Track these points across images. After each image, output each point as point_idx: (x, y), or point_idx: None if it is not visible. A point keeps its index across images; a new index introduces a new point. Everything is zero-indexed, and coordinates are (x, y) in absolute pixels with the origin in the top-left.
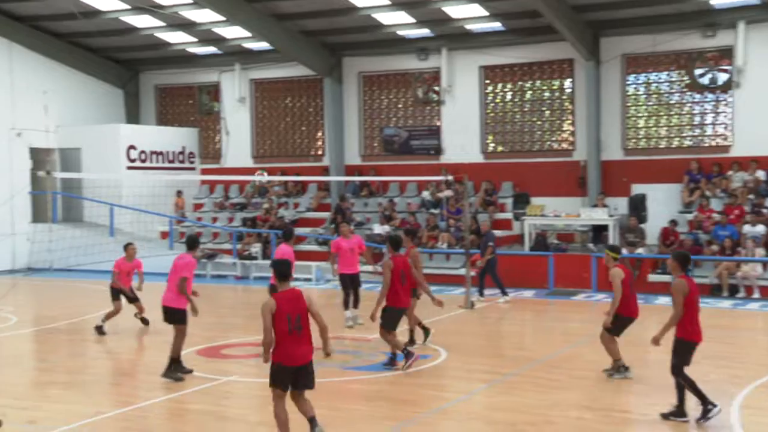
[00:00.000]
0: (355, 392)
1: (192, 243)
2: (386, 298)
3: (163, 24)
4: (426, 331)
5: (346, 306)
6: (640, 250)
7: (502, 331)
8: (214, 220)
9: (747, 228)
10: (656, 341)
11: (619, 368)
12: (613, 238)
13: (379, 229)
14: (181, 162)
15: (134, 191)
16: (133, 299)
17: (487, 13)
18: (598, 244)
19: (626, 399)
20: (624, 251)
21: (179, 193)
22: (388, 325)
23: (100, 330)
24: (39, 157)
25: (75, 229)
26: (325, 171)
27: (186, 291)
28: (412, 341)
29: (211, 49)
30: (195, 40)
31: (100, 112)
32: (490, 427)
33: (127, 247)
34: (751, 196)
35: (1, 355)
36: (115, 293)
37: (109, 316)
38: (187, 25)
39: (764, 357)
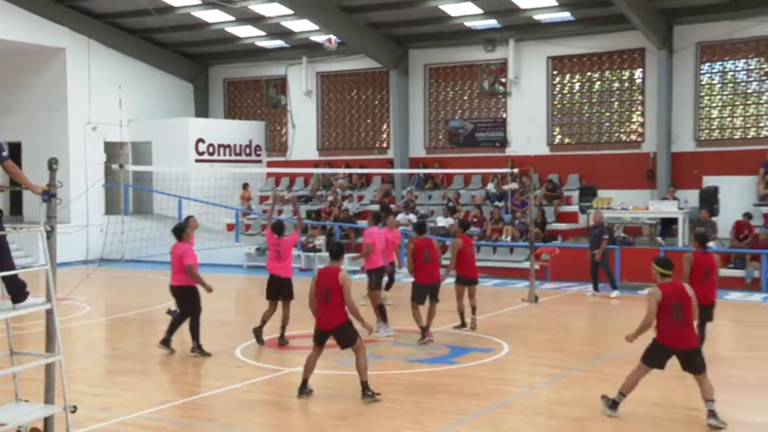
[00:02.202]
0: (419, 385)
1: (177, 232)
2: (414, 276)
3: (232, 18)
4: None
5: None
6: (711, 244)
7: (567, 325)
8: (280, 212)
9: None
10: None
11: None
12: (682, 231)
13: (442, 221)
14: (248, 155)
15: (202, 184)
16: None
17: (556, 3)
18: (666, 238)
19: (693, 395)
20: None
21: (245, 186)
22: (414, 299)
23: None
24: (112, 150)
25: (145, 221)
26: (389, 163)
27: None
28: (462, 324)
29: (278, 43)
30: (263, 33)
31: (171, 106)
32: (553, 422)
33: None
34: None
35: (76, 344)
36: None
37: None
38: (256, 19)
39: None
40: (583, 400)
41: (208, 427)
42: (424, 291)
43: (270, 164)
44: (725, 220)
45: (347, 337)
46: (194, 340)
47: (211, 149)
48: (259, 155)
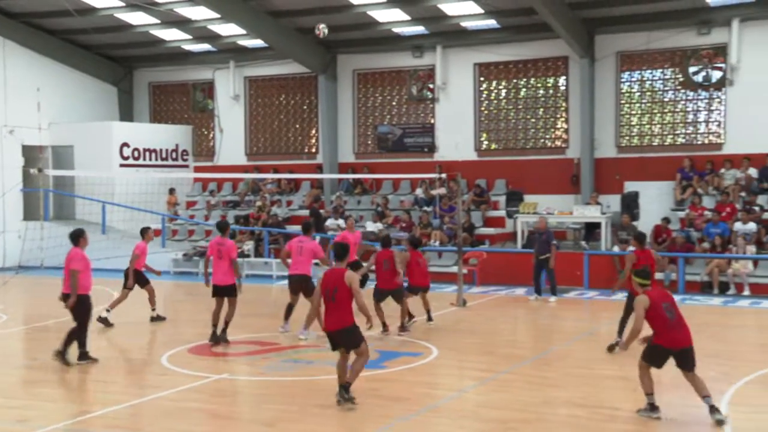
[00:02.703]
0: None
1: (74, 237)
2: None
3: (157, 21)
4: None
5: None
6: (632, 248)
7: (495, 328)
8: (207, 218)
9: (738, 225)
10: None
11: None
12: (605, 235)
13: (372, 226)
14: (175, 160)
15: (127, 189)
16: (145, 282)
17: (482, 11)
18: (590, 242)
19: (617, 395)
20: (615, 249)
21: (172, 191)
22: (375, 298)
23: (155, 318)
24: (31, 154)
25: (67, 227)
26: (318, 168)
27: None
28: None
29: (205, 47)
30: (189, 37)
31: (94, 109)
32: (481, 425)
33: (148, 230)
34: (742, 194)
35: None
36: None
37: (151, 301)
38: (182, 23)
39: (754, 354)
40: (510, 402)
41: None
42: (384, 294)
43: (197, 169)
44: (645, 225)
45: (353, 340)
46: (81, 347)
47: (136, 154)
48: (186, 160)
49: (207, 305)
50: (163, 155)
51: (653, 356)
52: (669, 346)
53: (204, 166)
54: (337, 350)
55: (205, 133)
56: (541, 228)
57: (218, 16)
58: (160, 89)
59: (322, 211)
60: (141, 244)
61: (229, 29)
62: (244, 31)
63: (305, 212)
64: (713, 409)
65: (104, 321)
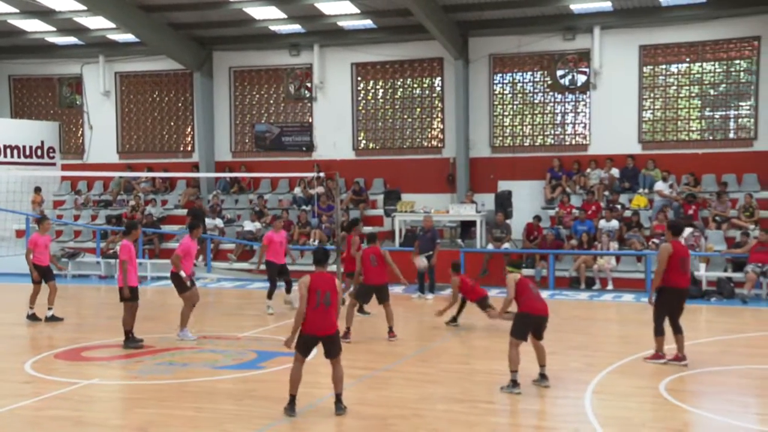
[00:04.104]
0: (224, 392)
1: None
2: (363, 278)
3: (15, 10)
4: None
5: (270, 296)
6: (506, 245)
7: (374, 326)
8: (76, 218)
9: (602, 223)
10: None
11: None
12: (480, 233)
13: (249, 225)
14: (40, 157)
15: None
16: (50, 278)
17: (358, 11)
18: (466, 240)
19: (492, 390)
20: (489, 246)
21: (37, 190)
22: (358, 297)
23: (34, 317)
24: None
25: None
26: (194, 167)
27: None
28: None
29: (71, 40)
30: (54, 29)
31: None
32: (360, 422)
33: (44, 221)
34: (606, 193)
35: None
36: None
37: (33, 299)
38: (45, 13)
39: (616, 345)
40: (388, 399)
41: None
42: (371, 291)
43: (65, 167)
44: (518, 223)
45: (337, 347)
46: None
47: None
48: (52, 157)
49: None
50: (27, 152)
51: (521, 328)
52: (536, 312)
53: (73, 164)
54: (306, 356)
55: (74, 129)
56: (426, 226)
57: (84, 8)
58: (22, 83)
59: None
60: (33, 236)
61: (97, 22)
62: (113, 25)
63: (181, 211)
64: (542, 376)
65: (32, 317)
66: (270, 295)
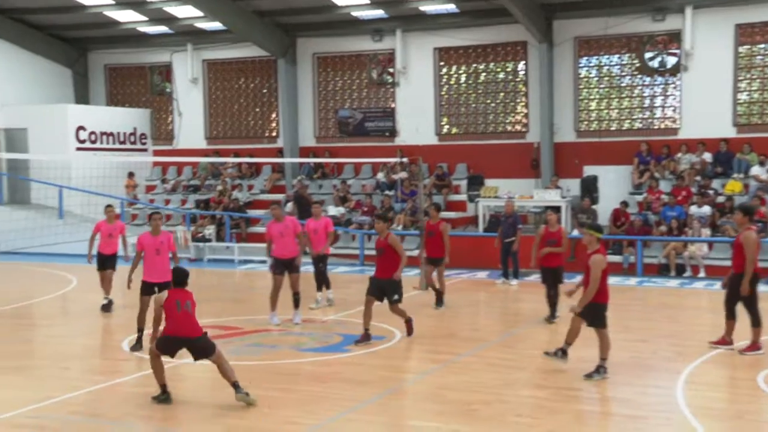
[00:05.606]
0: (309, 374)
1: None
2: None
3: (111, 2)
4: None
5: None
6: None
7: (457, 311)
8: (167, 202)
9: (693, 209)
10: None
11: (559, 352)
12: (565, 219)
13: (333, 211)
14: (133, 143)
15: (84, 173)
16: (108, 267)
17: None
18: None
19: (577, 377)
20: (575, 232)
21: (131, 175)
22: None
23: (107, 308)
24: None
25: (22, 211)
26: (279, 153)
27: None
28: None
29: (162, 29)
30: (145, 19)
31: (48, 91)
32: (443, 407)
33: (107, 209)
34: (697, 178)
35: None
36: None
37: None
38: (137, 4)
39: (708, 335)
40: (471, 384)
41: (93, 423)
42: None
43: (156, 153)
44: (604, 209)
45: (204, 349)
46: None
47: (93, 137)
48: (144, 143)
49: None
50: (121, 139)
51: (604, 316)
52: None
53: (163, 149)
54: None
55: (164, 116)
56: (507, 212)
57: None
58: (117, 72)
59: (283, 195)
60: (98, 223)
61: (186, 11)
62: (201, 14)
63: (267, 197)
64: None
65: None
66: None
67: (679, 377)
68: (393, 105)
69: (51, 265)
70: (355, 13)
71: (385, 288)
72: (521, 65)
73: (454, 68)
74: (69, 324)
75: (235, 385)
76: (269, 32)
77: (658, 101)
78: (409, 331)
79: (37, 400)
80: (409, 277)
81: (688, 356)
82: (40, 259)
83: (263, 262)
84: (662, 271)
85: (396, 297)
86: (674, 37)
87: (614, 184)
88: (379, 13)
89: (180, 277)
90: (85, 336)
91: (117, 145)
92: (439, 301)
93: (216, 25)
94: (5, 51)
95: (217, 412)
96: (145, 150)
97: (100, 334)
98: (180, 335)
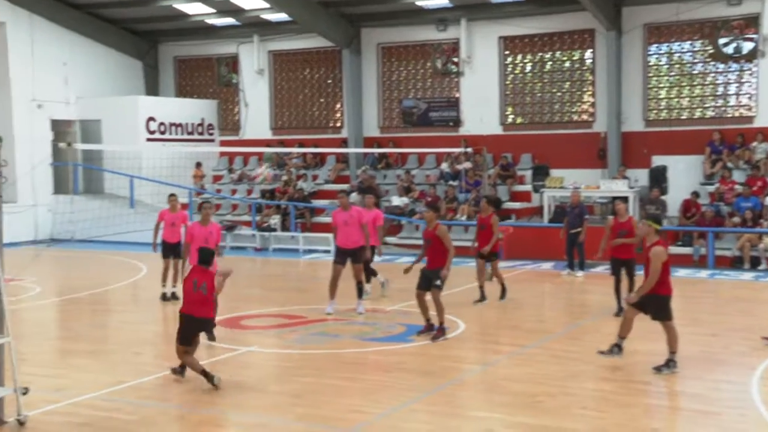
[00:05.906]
0: (374, 363)
1: None
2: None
3: None
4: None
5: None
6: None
7: (521, 303)
8: (234, 192)
9: None
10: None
11: (614, 348)
12: (633, 210)
13: (397, 201)
14: (200, 134)
15: (154, 163)
16: (174, 255)
17: None
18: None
19: (646, 371)
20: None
21: (198, 165)
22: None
23: (165, 297)
24: (60, 128)
25: (96, 201)
26: (343, 143)
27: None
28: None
29: (229, 20)
30: (213, 11)
31: (120, 83)
32: (508, 398)
33: (170, 198)
34: None
35: (26, 325)
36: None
37: (164, 277)
38: None
39: None
40: (535, 376)
41: (163, 407)
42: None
43: (223, 143)
44: (674, 199)
45: (203, 330)
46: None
47: (162, 128)
48: (211, 134)
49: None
50: (189, 129)
51: (670, 309)
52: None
53: (230, 140)
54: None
55: (230, 107)
56: (574, 202)
57: None
58: (185, 63)
59: (348, 185)
60: (161, 212)
61: (252, 3)
62: (267, 5)
63: (331, 187)
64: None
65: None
66: (367, 278)
67: (753, 373)
68: (457, 95)
69: (123, 253)
70: (419, 3)
71: (431, 278)
72: (588, 53)
73: (519, 57)
74: (140, 311)
75: (205, 374)
76: (334, 23)
77: (732, 89)
78: (435, 335)
79: (111, 383)
80: (473, 267)
81: (763, 351)
82: (112, 248)
83: (327, 251)
84: (735, 263)
85: (438, 283)
86: (751, 22)
87: (684, 174)
88: (443, 2)
89: (205, 255)
90: (155, 323)
91: (185, 136)
92: (503, 293)
93: (281, 17)
94: (81, 45)
95: (286, 400)
96: (212, 140)
97: (170, 322)
98: (191, 314)
